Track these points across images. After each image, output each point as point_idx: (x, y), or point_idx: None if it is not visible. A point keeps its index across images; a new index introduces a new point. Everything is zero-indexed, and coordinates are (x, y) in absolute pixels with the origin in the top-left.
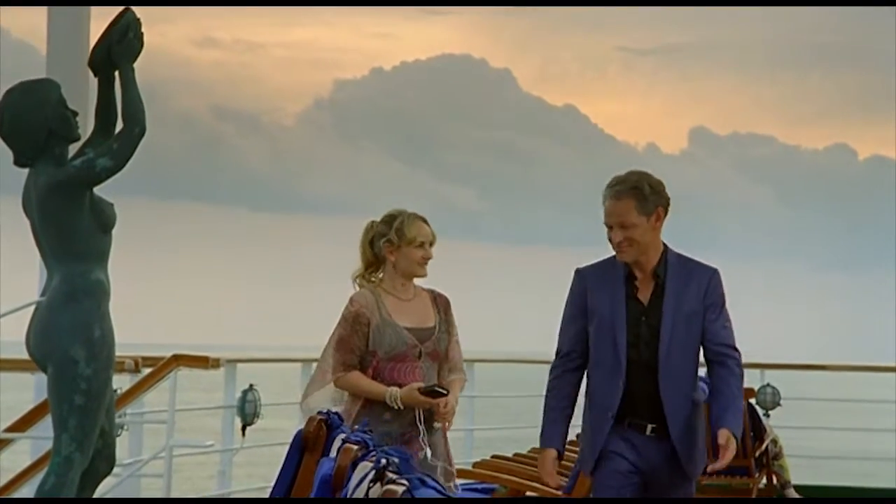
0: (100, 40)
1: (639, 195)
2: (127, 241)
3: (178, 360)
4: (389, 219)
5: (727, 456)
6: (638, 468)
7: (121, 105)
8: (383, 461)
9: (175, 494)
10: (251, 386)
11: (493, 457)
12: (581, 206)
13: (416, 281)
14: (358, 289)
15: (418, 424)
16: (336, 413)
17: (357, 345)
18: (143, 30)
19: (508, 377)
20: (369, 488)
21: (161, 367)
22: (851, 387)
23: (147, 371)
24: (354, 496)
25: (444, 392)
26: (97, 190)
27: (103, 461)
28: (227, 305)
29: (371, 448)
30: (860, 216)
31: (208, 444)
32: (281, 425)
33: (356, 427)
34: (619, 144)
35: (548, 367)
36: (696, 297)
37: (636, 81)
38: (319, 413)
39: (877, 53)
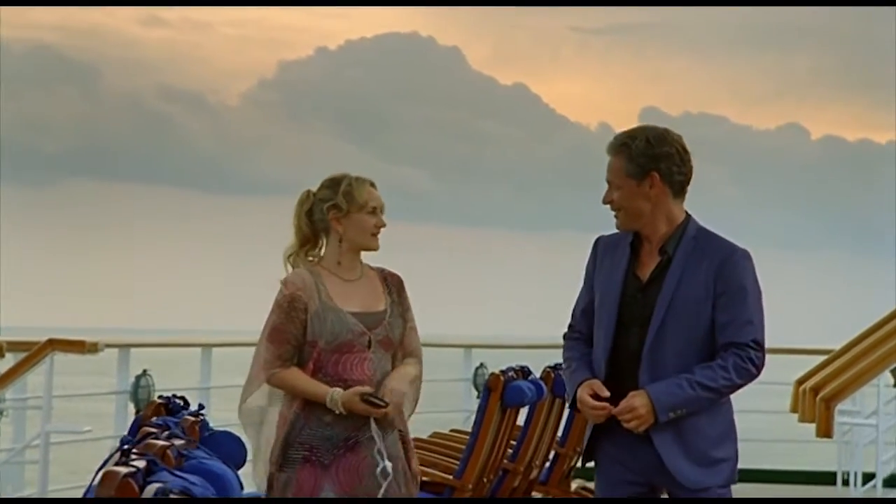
0: None
1: (627, 153)
2: (71, 222)
3: (53, 344)
4: (332, 182)
5: (623, 413)
6: (634, 472)
7: None
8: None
9: (55, 482)
10: (145, 371)
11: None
12: (534, 188)
13: (364, 258)
14: (291, 269)
15: (372, 430)
16: (181, 397)
17: (294, 334)
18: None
19: (442, 360)
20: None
21: (36, 352)
22: (774, 370)
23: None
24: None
25: (383, 403)
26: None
27: None
28: (173, 288)
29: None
30: (813, 196)
31: (86, 430)
32: None
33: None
34: (571, 125)
35: (499, 351)
36: (704, 280)
37: (589, 61)
38: (160, 397)
39: (830, 34)
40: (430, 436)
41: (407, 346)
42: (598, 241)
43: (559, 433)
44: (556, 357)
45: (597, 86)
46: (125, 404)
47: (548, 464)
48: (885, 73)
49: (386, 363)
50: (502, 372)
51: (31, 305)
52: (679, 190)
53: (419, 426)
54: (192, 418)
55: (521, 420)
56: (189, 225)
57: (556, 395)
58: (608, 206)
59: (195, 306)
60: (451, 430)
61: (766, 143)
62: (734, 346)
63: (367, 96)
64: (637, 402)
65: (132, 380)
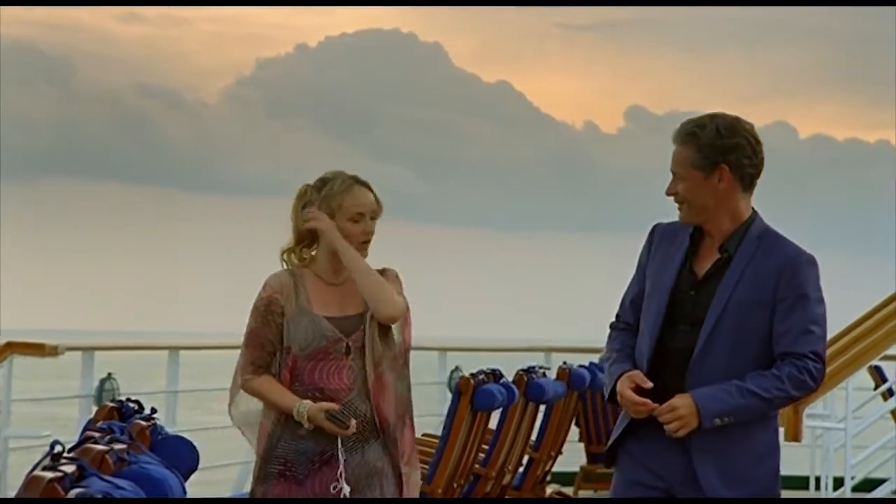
0: None
1: (695, 143)
2: (47, 221)
3: (12, 347)
4: (321, 182)
5: (664, 413)
6: (657, 476)
7: None
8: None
9: (13, 489)
10: (109, 374)
11: None
12: (518, 187)
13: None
14: (284, 268)
15: (338, 448)
16: (135, 401)
17: (270, 340)
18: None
19: (417, 363)
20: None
21: None
22: None
23: None
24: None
25: (346, 424)
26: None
27: None
28: (149, 288)
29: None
30: (802, 196)
31: (45, 435)
32: None
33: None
34: (556, 123)
35: (475, 354)
36: (764, 284)
37: (575, 58)
38: (114, 400)
39: (818, 32)
40: None
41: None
42: (654, 228)
43: (533, 437)
44: (534, 360)
45: (582, 83)
46: (89, 408)
47: (521, 468)
48: (874, 71)
49: (369, 372)
50: (472, 375)
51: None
52: (749, 184)
53: None
54: (144, 423)
55: (494, 424)
56: (167, 224)
57: (528, 399)
58: (672, 197)
59: (171, 307)
60: (423, 435)
61: None
62: (792, 355)
63: (348, 94)
64: (680, 402)
65: (96, 383)
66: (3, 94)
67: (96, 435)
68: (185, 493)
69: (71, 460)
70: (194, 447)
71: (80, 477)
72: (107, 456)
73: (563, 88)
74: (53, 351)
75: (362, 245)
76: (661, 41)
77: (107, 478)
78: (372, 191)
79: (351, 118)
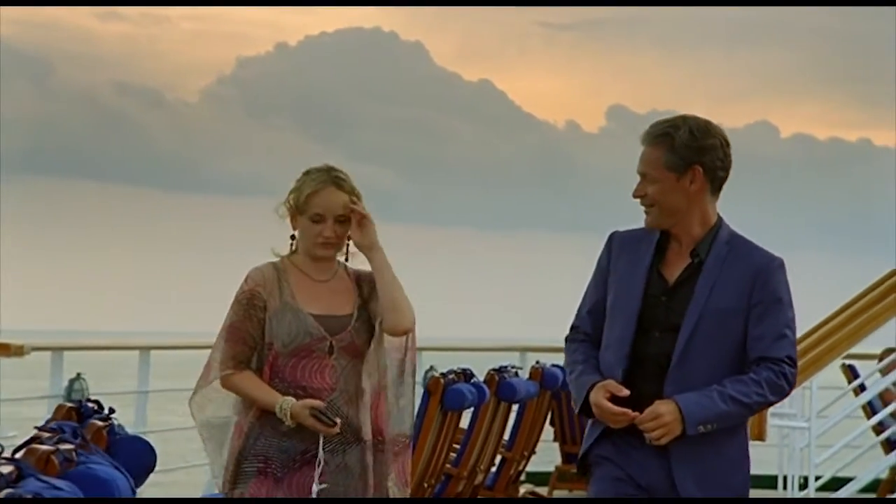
0: None
1: (668, 144)
2: (24, 221)
3: None
4: (304, 174)
5: (647, 421)
6: (635, 481)
7: None
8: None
9: None
10: (78, 375)
11: None
12: (500, 187)
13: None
14: (277, 258)
15: (319, 447)
16: (94, 401)
17: (251, 334)
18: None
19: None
20: None
21: None
22: None
23: None
24: None
25: (331, 423)
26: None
27: None
28: (125, 289)
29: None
30: (783, 195)
31: (11, 435)
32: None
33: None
34: (538, 122)
35: (451, 354)
36: (739, 290)
37: (556, 57)
38: (71, 400)
39: (800, 31)
40: None
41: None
42: (613, 236)
43: (506, 437)
44: (510, 359)
45: (564, 82)
46: None
47: (494, 468)
48: (856, 71)
49: (352, 373)
50: (442, 375)
51: None
52: (718, 187)
53: None
54: (100, 423)
55: (466, 424)
56: (146, 224)
57: (500, 399)
58: (639, 200)
59: (146, 307)
60: (396, 434)
61: (734, 141)
62: (768, 360)
63: (329, 93)
64: (665, 409)
65: (65, 383)
66: None
67: (45, 435)
68: (133, 493)
69: (9, 461)
70: (151, 447)
71: (18, 478)
72: (52, 457)
73: (544, 87)
74: (19, 351)
75: (319, 247)
76: (643, 40)
77: (45, 478)
78: (343, 188)
79: (332, 117)
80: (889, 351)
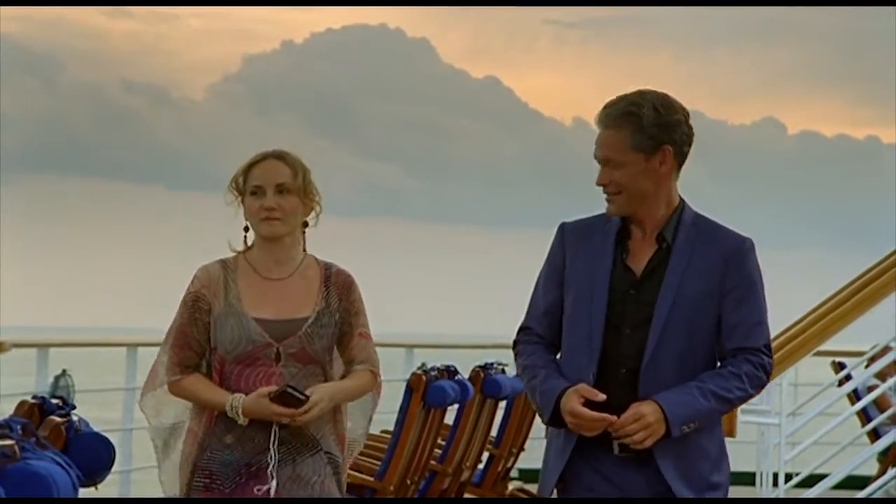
0: None
1: (634, 123)
2: (31, 219)
3: None
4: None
5: (629, 423)
6: (620, 490)
7: None
8: None
9: None
10: (64, 371)
11: None
12: (507, 184)
13: (312, 249)
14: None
15: (270, 449)
16: (59, 397)
17: (196, 339)
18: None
19: (385, 360)
20: None
21: None
22: None
23: None
24: None
25: (303, 397)
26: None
27: None
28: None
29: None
30: (791, 192)
31: None
32: (100, 414)
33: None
34: (545, 120)
35: (442, 351)
36: (711, 274)
37: (564, 55)
38: (34, 396)
39: (807, 30)
40: None
41: (351, 354)
42: (563, 227)
43: (494, 434)
44: (503, 356)
45: (571, 80)
46: None
47: (482, 465)
48: (863, 68)
49: (307, 380)
50: (425, 372)
51: None
52: (681, 164)
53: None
54: (58, 419)
55: (452, 420)
56: (152, 221)
57: (485, 395)
58: (603, 188)
59: (154, 305)
60: (382, 431)
61: (742, 138)
62: (747, 351)
63: (335, 90)
64: (647, 410)
65: (51, 380)
66: None
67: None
68: (75, 491)
69: None
70: (110, 444)
71: None
72: None
73: (552, 85)
74: (0, 347)
75: (264, 222)
76: (651, 38)
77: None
78: (287, 161)
79: (338, 115)
80: (885, 350)
